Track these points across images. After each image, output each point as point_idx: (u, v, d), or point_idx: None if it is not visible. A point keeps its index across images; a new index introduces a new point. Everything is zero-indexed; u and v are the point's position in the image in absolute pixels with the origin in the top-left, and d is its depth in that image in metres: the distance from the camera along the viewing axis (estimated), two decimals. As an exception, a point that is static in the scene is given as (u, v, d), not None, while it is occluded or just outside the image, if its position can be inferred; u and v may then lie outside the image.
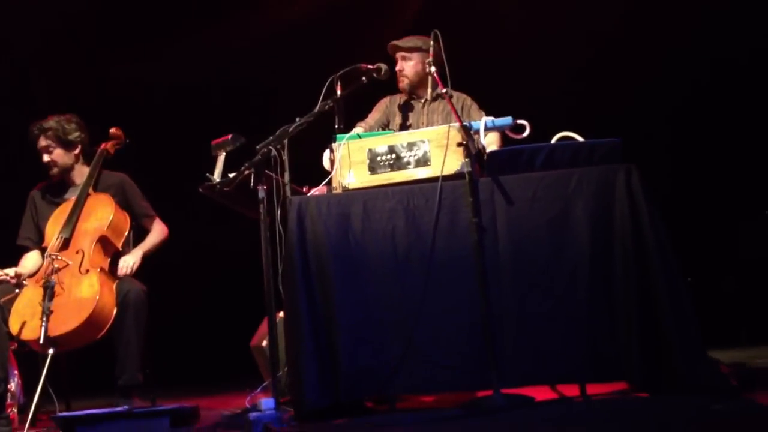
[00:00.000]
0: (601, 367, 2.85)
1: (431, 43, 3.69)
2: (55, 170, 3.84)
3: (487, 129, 3.05)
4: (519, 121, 3.11)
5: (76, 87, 5.35)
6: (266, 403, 2.92)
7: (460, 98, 3.74)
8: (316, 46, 5.38)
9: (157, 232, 3.87)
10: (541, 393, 3.00)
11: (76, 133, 3.84)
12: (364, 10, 5.44)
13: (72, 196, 3.80)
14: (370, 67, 3.60)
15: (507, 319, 2.88)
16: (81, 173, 3.87)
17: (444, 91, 3.11)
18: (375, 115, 3.88)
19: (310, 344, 2.89)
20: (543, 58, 5.24)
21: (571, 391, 3.02)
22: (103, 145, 3.93)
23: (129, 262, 3.68)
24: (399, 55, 3.81)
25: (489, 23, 5.28)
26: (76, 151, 3.86)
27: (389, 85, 3.79)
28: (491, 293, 2.87)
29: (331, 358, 2.92)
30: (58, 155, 3.82)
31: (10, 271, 3.61)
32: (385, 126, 3.85)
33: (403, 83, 3.81)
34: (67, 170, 3.86)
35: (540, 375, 2.90)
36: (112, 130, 4.00)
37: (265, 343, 3.62)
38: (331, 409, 2.89)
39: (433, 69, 3.22)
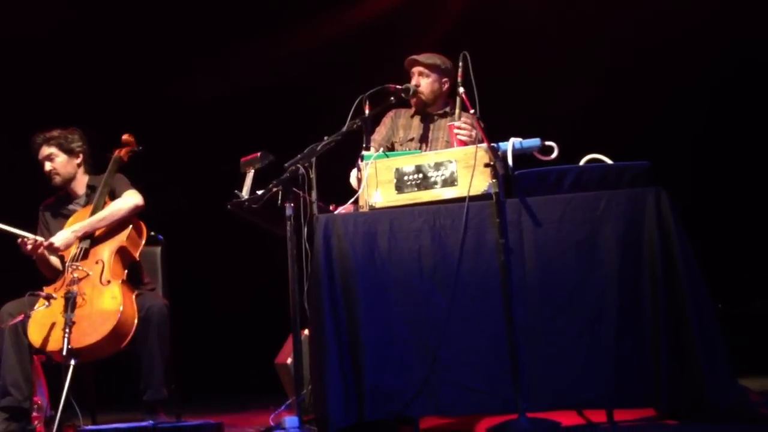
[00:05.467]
0: (628, 392, 2.81)
1: (449, 63, 3.71)
2: (58, 179, 3.88)
3: (515, 150, 3.04)
4: (547, 143, 3.09)
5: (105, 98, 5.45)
6: (290, 421, 2.92)
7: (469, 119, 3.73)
8: (344, 64, 5.43)
9: (121, 200, 3.75)
10: (567, 418, 2.97)
11: (79, 143, 3.90)
12: (394, 27, 5.49)
13: (77, 207, 3.84)
14: (399, 87, 3.62)
15: (533, 342, 2.85)
16: (82, 184, 3.91)
17: (472, 112, 3.11)
18: (382, 131, 3.87)
19: (335, 363, 2.89)
20: (572, 78, 5.23)
21: (597, 416, 2.98)
22: (116, 152, 3.96)
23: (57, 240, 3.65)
24: (416, 69, 3.78)
25: (518, 44, 5.29)
26: (78, 161, 3.90)
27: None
28: (517, 315, 2.85)
29: (356, 377, 2.91)
30: (61, 164, 3.87)
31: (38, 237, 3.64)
32: (391, 143, 3.85)
33: (418, 99, 3.80)
34: (69, 180, 3.89)
35: (566, 399, 2.86)
36: (125, 137, 4.01)
37: (289, 360, 3.63)
38: (356, 428, 2.87)
39: (461, 90, 3.22)
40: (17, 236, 3.67)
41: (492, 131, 3.14)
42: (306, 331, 3.21)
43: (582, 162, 3.10)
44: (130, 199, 3.76)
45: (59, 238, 3.66)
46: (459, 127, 3.41)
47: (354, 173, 3.43)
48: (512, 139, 3.10)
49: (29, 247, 3.65)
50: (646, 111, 5.23)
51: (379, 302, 2.95)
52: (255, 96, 5.73)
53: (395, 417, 2.97)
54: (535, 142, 3.09)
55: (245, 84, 5.71)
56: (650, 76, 5.29)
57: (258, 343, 4.61)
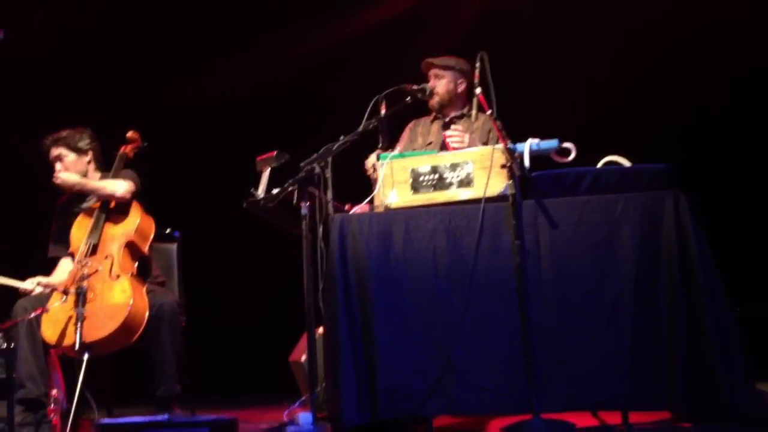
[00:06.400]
0: (643, 395, 2.80)
1: (466, 65, 3.72)
2: None
3: (532, 152, 3.03)
4: (565, 144, 3.07)
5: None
6: (304, 418, 2.93)
7: (487, 121, 3.72)
8: (360, 64, 5.44)
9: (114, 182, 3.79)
10: (582, 419, 2.96)
11: (87, 141, 3.91)
12: (410, 28, 5.49)
13: (90, 204, 3.87)
14: (415, 87, 3.62)
15: (548, 344, 2.85)
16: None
17: (489, 112, 3.10)
18: (402, 143, 3.93)
19: (349, 361, 2.90)
20: (591, 79, 5.20)
21: (612, 418, 2.98)
22: (122, 149, 3.98)
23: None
24: (432, 72, 3.84)
25: (536, 45, 5.26)
26: (88, 158, 3.92)
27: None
28: (532, 317, 2.84)
29: (370, 375, 2.92)
30: (71, 163, 3.88)
31: (31, 285, 3.69)
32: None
33: (434, 100, 3.83)
34: None
35: (581, 401, 2.86)
36: (130, 134, 4.01)
37: (303, 358, 3.64)
38: (369, 427, 2.89)
39: (478, 90, 3.21)
40: (14, 287, 3.71)
41: (509, 132, 3.13)
42: (320, 329, 3.22)
43: (600, 164, 3.09)
44: (122, 183, 3.75)
45: (64, 175, 3.75)
46: (451, 136, 3.47)
47: (372, 158, 3.46)
48: (529, 140, 3.08)
49: (33, 294, 3.69)
50: (665, 112, 5.18)
51: (393, 302, 2.96)
52: (272, 94, 5.73)
53: (408, 416, 2.98)
54: (552, 143, 3.07)
55: (264, 82, 5.71)
56: (670, 77, 5.24)
57: (272, 340, 4.62)
